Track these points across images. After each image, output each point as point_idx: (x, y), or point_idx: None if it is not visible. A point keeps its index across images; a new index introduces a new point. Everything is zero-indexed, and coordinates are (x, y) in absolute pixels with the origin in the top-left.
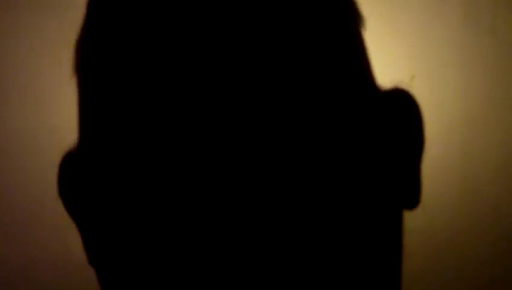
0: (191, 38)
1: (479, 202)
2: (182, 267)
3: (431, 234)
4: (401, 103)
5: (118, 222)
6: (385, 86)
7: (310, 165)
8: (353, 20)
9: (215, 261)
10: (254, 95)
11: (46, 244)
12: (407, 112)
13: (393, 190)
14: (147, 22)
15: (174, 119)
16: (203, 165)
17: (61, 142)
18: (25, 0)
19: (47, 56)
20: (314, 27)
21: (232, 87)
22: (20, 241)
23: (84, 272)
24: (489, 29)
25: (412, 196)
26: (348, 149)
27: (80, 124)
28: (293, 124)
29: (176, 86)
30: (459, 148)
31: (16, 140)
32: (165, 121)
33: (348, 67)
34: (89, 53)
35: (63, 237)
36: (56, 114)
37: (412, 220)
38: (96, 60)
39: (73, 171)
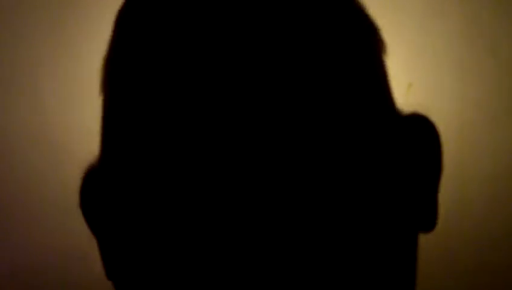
0: (216, 58)
1: (470, 212)
2: (203, 285)
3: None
4: (421, 128)
5: (138, 237)
6: (405, 111)
7: (328, 186)
8: (376, 46)
9: (232, 279)
10: (277, 114)
11: (65, 257)
12: (427, 137)
13: (410, 213)
14: (173, 40)
15: (200, 139)
16: (228, 189)
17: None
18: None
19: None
20: (340, 52)
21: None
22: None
23: (102, 286)
24: (489, 42)
25: (428, 219)
26: (367, 172)
27: (103, 139)
28: (314, 144)
29: (203, 106)
30: (453, 157)
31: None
32: (191, 141)
33: (369, 92)
34: (116, 70)
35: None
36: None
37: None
38: (124, 78)
39: (96, 185)
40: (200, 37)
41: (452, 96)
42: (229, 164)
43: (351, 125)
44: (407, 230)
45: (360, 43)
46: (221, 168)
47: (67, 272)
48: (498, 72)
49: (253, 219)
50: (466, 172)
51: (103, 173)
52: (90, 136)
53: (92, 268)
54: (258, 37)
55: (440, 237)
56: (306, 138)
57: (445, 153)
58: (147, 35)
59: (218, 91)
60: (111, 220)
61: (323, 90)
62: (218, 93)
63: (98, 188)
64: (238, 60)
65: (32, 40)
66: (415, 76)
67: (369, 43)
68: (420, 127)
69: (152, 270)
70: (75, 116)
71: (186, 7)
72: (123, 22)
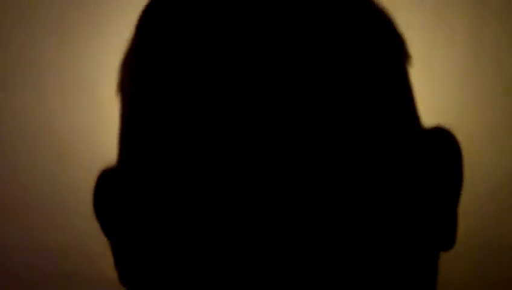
0: (237, 61)
1: (468, 223)
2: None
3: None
4: (443, 143)
5: (152, 242)
6: (428, 124)
7: (347, 196)
8: (401, 58)
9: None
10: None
11: (66, 254)
12: (449, 152)
13: (429, 230)
14: (194, 42)
15: (220, 143)
16: (247, 195)
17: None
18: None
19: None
20: (365, 61)
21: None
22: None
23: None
24: (493, 57)
25: (447, 237)
26: (388, 183)
27: (121, 141)
28: (335, 155)
29: (223, 109)
30: None
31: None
32: (210, 144)
33: (392, 104)
34: (134, 72)
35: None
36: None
37: None
38: (142, 80)
39: (111, 188)
40: (221, 40)
41: (454, 112)
42: (251, 167)
43: (373, 137)
44: (426, 247)
45: (387, 54)
46: (241, 172)
47: (69, 269)
48: (501, 85)
49: (270, 219)
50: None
51: (120, 175)
52: (93, 134)
53: (94, 266)
54: (286, 45)
55: None
56: (327, 144)
57: None
58: (171, 37)
59: (241, 94)
60: (127, 224)
61: (347, 99)
62: (241, 96)
63: (114, 190)
64: (266, 66)
65: (36, 38)
66: (418, 91)
67: (396, 54)
68: (442, 141)
69: (167, 276)
70: (78, 114)
71: (211, 9)
72: (147, 22)
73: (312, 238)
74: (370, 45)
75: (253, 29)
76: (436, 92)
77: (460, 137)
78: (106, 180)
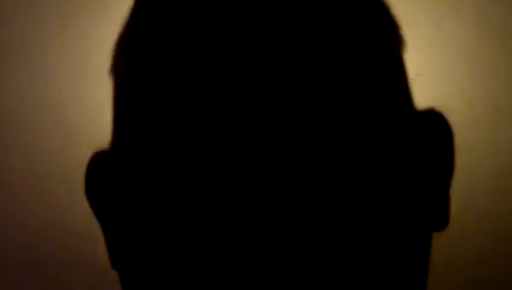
0: (229, 45)
1: (476, 205)
2: (209, 276)
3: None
4: (435, 125)
5: (144, 226)
6: (421, 106)
7: (339, 184)
8: (396, 42)
9: (238, 269)
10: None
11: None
12: (440, 134)
13: (421, 211)
14: (187, 26)
15: (213, 125)
16: (239, 174)
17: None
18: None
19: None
20: (358, 45)
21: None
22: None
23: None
24: (501, 34)
25: (440, 217)
26: (379, 167)
27: (115, 124)
28: (326, 139)
29: (216, 90)
30: (460, 149)
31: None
32: (203, 126)
33: (384, 88)
34: (128, 54)
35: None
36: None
37: None
38: (136, 61)
39: (103, 171)
40: (215, 25)
41: (461, 90)
42: (244, 160)
43: (365, 121)
44: (419, 228)
45: (380, 38)
46: (234, 163)
47: (70, 250)
48: (509, 67)
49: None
50: (471, 166)
51: (113, 158)
52: (98, 114)
53: (94, 247)
54: (276, 33)
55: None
56: (317, 132)
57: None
58: (167, 18)
59: (236, 87)
60: (119, 207)
61: (338, 84)
62: (236, 90)
63: (106, 173)
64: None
65: (41, 17)
66: (424, 66)
67: (389, 38)
68: (434, 124)
69: (158, 261)
70: (83, 93)
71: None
72: (143, 4)
73: (306, 220)
74: (362, 29)
75: (247, 8)
76: (444, 64)
77: (468, 111)
78: (98, 163)
